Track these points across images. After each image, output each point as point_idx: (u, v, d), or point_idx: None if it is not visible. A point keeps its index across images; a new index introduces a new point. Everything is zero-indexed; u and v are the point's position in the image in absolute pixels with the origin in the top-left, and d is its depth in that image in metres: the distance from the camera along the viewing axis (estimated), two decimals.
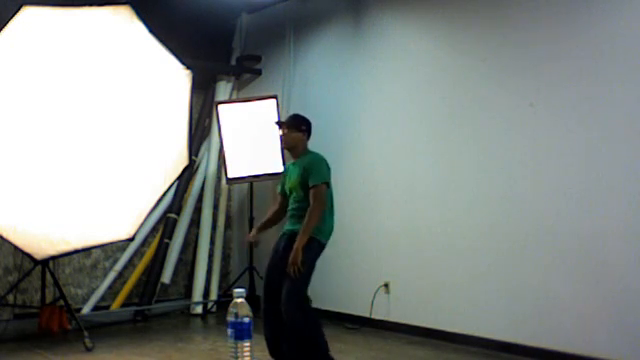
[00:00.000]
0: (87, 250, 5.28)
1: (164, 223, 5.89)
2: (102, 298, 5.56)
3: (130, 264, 5.77)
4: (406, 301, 4.88)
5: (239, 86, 6.57)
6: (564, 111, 3.98)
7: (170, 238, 5.87)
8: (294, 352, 3.58)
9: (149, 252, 5.84)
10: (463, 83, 4.56)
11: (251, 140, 5.70)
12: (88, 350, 4.39)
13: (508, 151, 4.27)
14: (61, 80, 4.57)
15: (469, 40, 4.55)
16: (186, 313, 5.91)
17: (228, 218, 6.44)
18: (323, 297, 5.25)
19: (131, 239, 4.90)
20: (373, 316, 5.05)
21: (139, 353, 4.36)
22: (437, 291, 4.65)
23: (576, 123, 3.91)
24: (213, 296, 6.00)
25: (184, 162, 4.95)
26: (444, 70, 4.70)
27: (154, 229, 5.90)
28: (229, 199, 6.50)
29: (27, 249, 4.42)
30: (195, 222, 6.17)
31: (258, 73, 6.41)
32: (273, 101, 5.66)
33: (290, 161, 4.00)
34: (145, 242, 5.88)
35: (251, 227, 5.65)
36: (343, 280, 5.33)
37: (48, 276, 4.83)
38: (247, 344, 2.46)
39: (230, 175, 5.75)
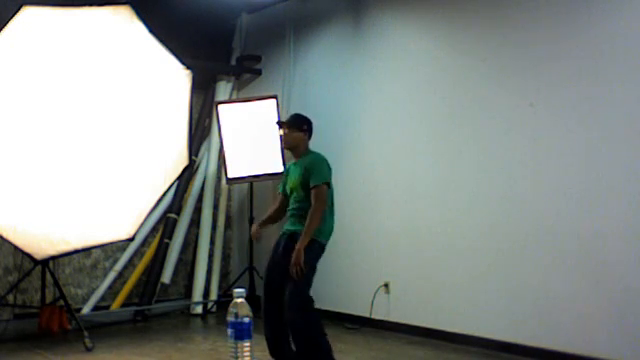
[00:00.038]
0: (87, 250, 5.29)
1: (164, 223, 5.90)
2: (102, 298, 5.57)
3: (130, 264, 5.78)
4: (406, 301, 4.88)
5: (239, 86, 6.57)
6: (564, 111, 3.98)
7: (170, 238, 5.87)
8: (301, 353, 3.57)
9: (149, 252, 5.84)
10: (463, 83, 4.56)
11: (251, 140, 5.70)
12: (88, 350, 4.39)
13: (508, 151, 4.27)
14: (61, 80, 4.58)
15: (469, 40, 4.55)
16: (186, 313, 5.91)
17: (228, 218, 6.44)
18: (323, 297, 5.20)
19: (131, 239, 4.90)
20: (373, 316, 5.05)
21: (139, 353, 4.36)
22: (437, 291, 4.65)
23: (576, 123, 3.91)
24: (213, 296, 6.00)
25: (184, 162, 4.95)
26: (444, 70, 4.70)
27: (154, 229, 5.91)
28: (229, 199, 6.50)
29: (27, 249, 4.42)
30: (195, 222, 6.17)
31: (258, 73, 6.41)
32: (273, 101, 5.66)
33: (291, 161, 4.00)
34: (145, 242, 5.88)
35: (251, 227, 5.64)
36: (343, 280, 5.32)
37: (48, 276, 4.83)
38: (247, 344, 2.45)
39: (230, 175, 5.75)
